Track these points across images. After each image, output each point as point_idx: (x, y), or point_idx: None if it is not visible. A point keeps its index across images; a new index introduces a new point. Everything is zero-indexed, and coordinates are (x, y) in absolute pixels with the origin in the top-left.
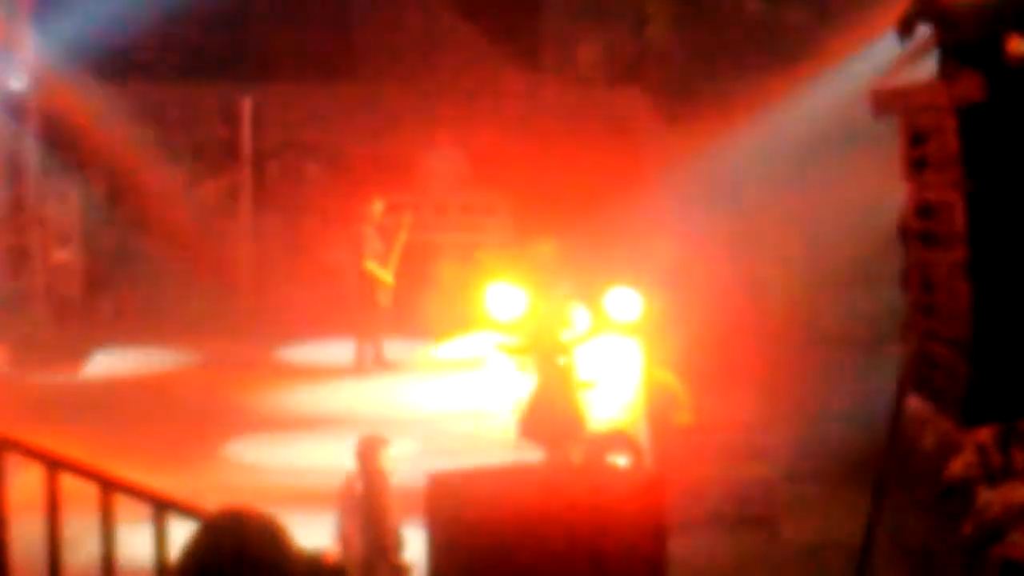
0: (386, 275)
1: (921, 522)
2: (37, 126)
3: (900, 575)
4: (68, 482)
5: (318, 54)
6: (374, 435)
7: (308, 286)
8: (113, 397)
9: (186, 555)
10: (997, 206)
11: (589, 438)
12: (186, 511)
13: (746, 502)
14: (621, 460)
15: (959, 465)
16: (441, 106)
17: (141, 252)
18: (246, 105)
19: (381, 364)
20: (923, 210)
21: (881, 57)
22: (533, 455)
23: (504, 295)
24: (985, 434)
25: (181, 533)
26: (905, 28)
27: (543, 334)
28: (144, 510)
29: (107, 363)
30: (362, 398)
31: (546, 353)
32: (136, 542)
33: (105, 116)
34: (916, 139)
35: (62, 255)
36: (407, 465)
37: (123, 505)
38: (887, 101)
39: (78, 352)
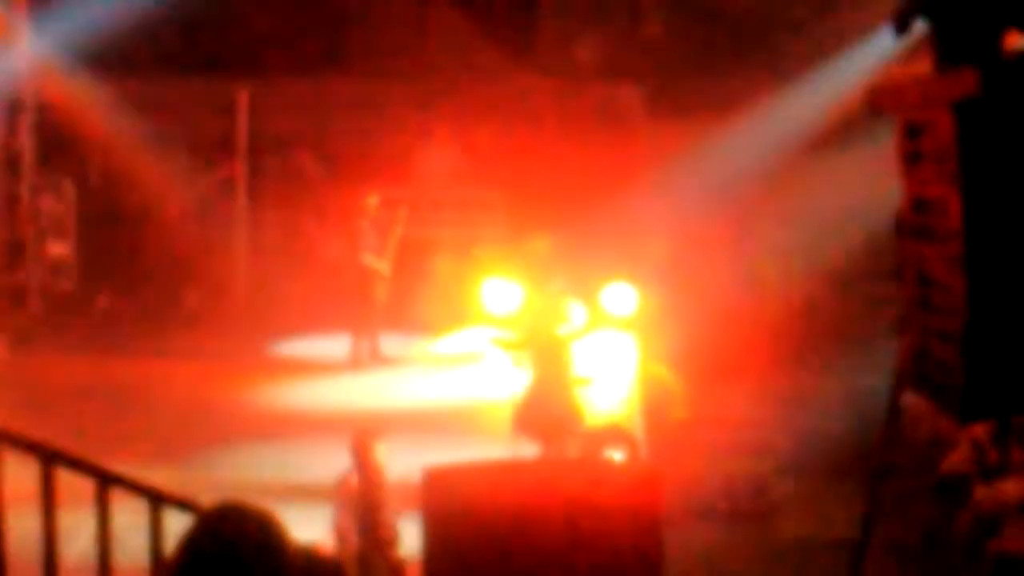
0: (382, 270)
1: (917, 517)
2: (33, 120)
3: (895, 570)
4: (64, 476)
5: (315, 49)
6: (367, 429)
7: (304, 281)
8: (108, 391)
9: (182, 549)
10: (993, 201)
11: (585, 432)
12: (182, 505)
13: (741, 496)
14: (617, 454)
15: (955, 460)
16: (437, 102)
17: (136, 246)
18: (242, 99)
19: (377, 359)
20: (918, 205)
21: (877, 52)
22: (529, 449)
23: (500, 290)
24: (981, 430)
25: (177, 527)
26: (900, 23)
27: (539, 329)
28: (140, 504)
29: (103, 357)
30: (358, 393)
31: (542, 348)
32: (132, 536)
33: (101, 110)
34: (911, 134)
35: (58, 249)
36: (403, 459)
37: (119, 499)
38: (882, 96)
39: (73, 346)
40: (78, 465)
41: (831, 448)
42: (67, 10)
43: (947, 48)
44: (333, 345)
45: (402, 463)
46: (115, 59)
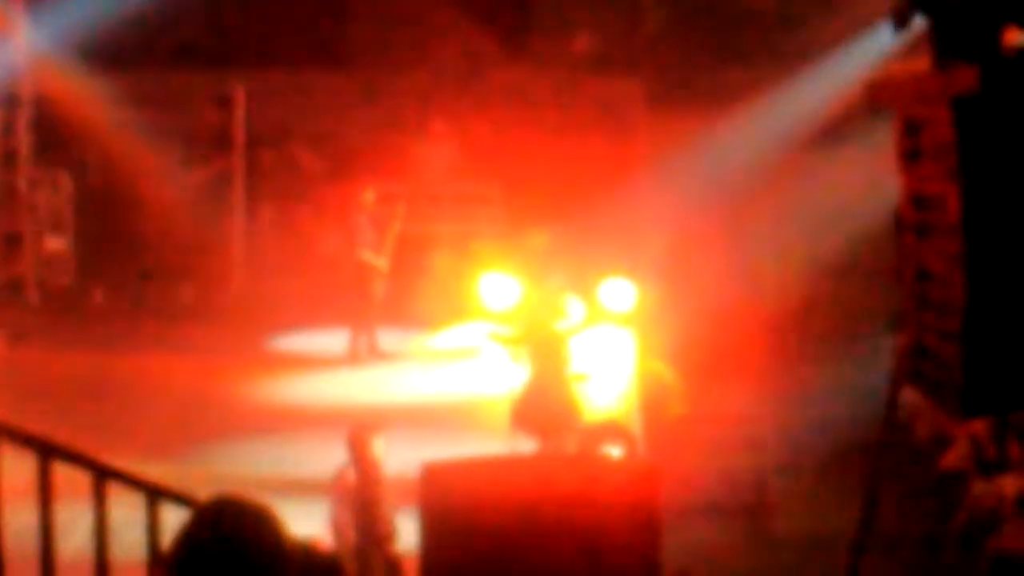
0: (380, 267)
1: (915, 513)
2: (30, 113)
3: (893, 566)
4: (60, 470)
5: (312, 42)
6: (364, 424)
7: (301, 275)
8: (105, 385)
9: (179, 543)
10: (992, 197)
11: (583, 428)
12: (179, 499)
13: (738, 492)
14: (614, 450)
15: (953, 457)
16: (435, 95)
17: (134, 240)
18: (239, 93)
19: (375, 354)
20: (918, 201)
21: (876, 48)
22: (527, 445)
23: (498, 285)
24: (979, 427)
25: (174, 521)
26: (899, 19)
27: (537, 324)
28: (137, 498)
29: (100, 351)
30: (356, 388)
31: (540, 343)
32: (129, 530)
33: (98, 104)
34: (910, 130)
35: (55, 243)
36: (400, 454)
37: (116, 493)
38: (882, 92)
39: (70, 339)
40: (75, 459)
41: (828, 444)
42: (64, 4)
43: (946, 44)
44: (330, 340)
45: (400, 458)
46: (112, 53)
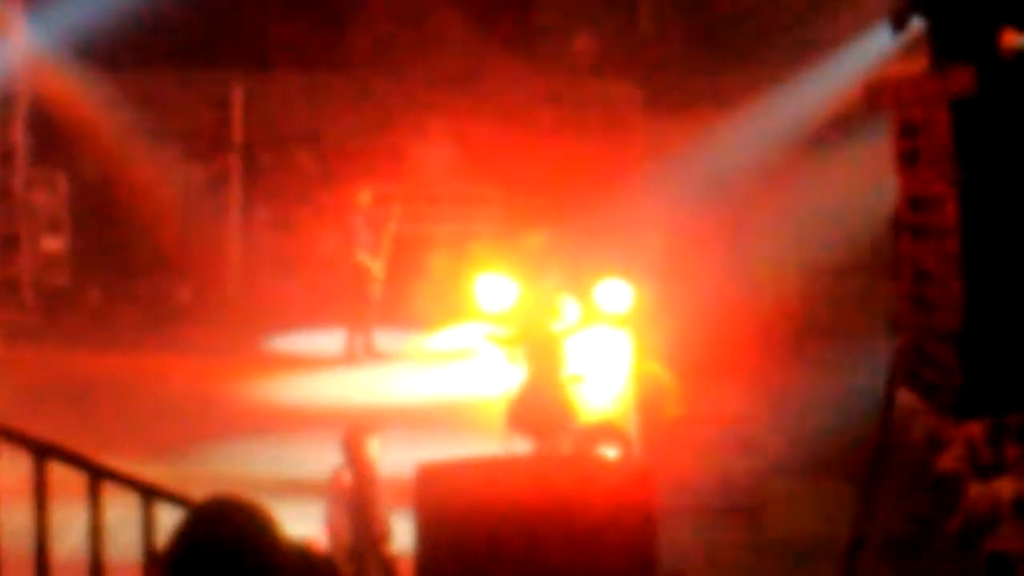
0: (376, 270)
1: (910, 514)
2: (27, 114)
3: (889, 567)
4: (56, 470)
5: (310, 43)
6: (359, 425)
7: (298, 276)
8: (101, 385)
9: (174, 543)
10: (989, 199)
11: (578, 429)
12: (174, 500)
13: (734, 493)
14: (610, 451)
15: (949, 459)
16: (433, 96)
17: (130, 240)
18: (237, 94)
19: (371, 354)
20: (915, 203)
21: (874, 49)
22: (523, 446)
23: (494, 286)
24: (975, 428)
25: (169, 522)
26: (897, 21)
27: (533, 325)
28: (132, 498)
29: (96, 351)
30: (352, 388)
31: (536, 344)
32: (124, 531)
33: (95, 104)
34: (908, 132)
35: (51, 243)
36: (396, 455)
37: (111, 493)
38: (879, 93)
39: (66, 340)
40: (70, 459)
41: (824, 445)
42: (62, 4)
43: (944, 46)
44: (327, 340)
45: (395, 459)
46: (110, 53)
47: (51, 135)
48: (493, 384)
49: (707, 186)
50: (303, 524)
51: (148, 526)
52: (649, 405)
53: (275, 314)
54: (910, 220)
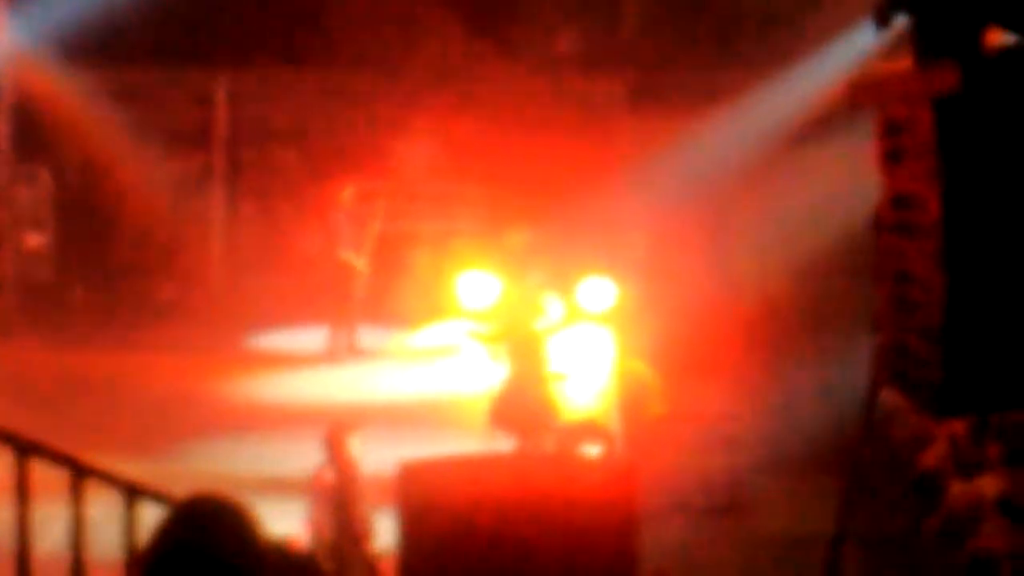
0: (359, 266)
1: (893, 512)
2: (10, 110)
3: (871, 566)
4: (38, 467)
5: (295, 41)
6: (341, 422)
7: (281, 273)
8: (84, 382)
9: (155, 541)
10: (973, 198)
11: (561, 427)
12: (156, 497)
13: (717, 491)
14: (593, 449)
15: (932, 457)
16: (416, 94)
17: (113, 237)
18: (221, 90)
19: (354, 352)
20: (898, 201)
21: (857, 47)
22: (505, 443)
23: (477, 283)
24: (958, 427)
25: (151, 519)
26: (881, 18)
27: (516, 322)
28: (114, 496)
29: (79, 348)
30: (335, 386)
31: (519, 342)
32: (106, 528)
33: (79, 100)
34: (891, 130)
35: (34, 239)
36: (378, 452)
37: (93, 491)
38: (862, 91)
39: (49, 337)
40: (52, 456)
41: (807, 443)
42: (45, 0)
43: (928, 43)
44: (310, 338)
45: (378, 456)
46: (93, 49)
47: (34, 131)
48: (476, 382)
49: (691, 184)
50: (285, 522)
51: (130, 524)
52: (632, 403)
53: (258, 311)
54: (893, 219)
